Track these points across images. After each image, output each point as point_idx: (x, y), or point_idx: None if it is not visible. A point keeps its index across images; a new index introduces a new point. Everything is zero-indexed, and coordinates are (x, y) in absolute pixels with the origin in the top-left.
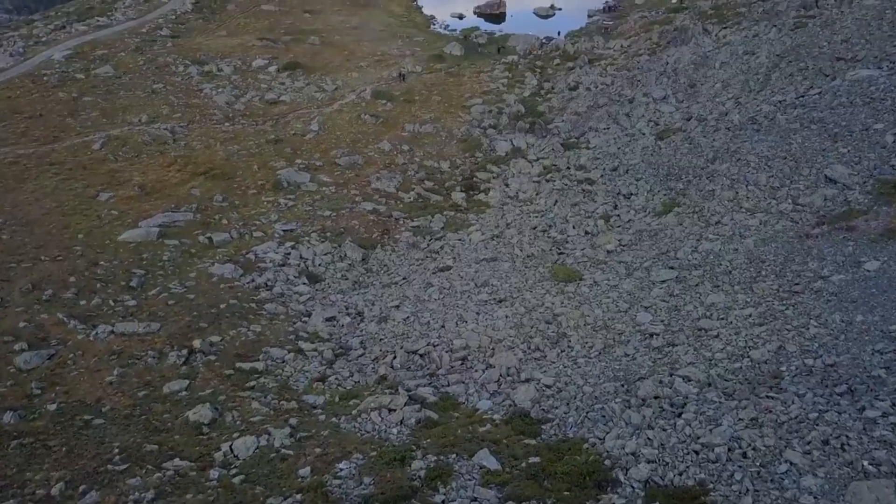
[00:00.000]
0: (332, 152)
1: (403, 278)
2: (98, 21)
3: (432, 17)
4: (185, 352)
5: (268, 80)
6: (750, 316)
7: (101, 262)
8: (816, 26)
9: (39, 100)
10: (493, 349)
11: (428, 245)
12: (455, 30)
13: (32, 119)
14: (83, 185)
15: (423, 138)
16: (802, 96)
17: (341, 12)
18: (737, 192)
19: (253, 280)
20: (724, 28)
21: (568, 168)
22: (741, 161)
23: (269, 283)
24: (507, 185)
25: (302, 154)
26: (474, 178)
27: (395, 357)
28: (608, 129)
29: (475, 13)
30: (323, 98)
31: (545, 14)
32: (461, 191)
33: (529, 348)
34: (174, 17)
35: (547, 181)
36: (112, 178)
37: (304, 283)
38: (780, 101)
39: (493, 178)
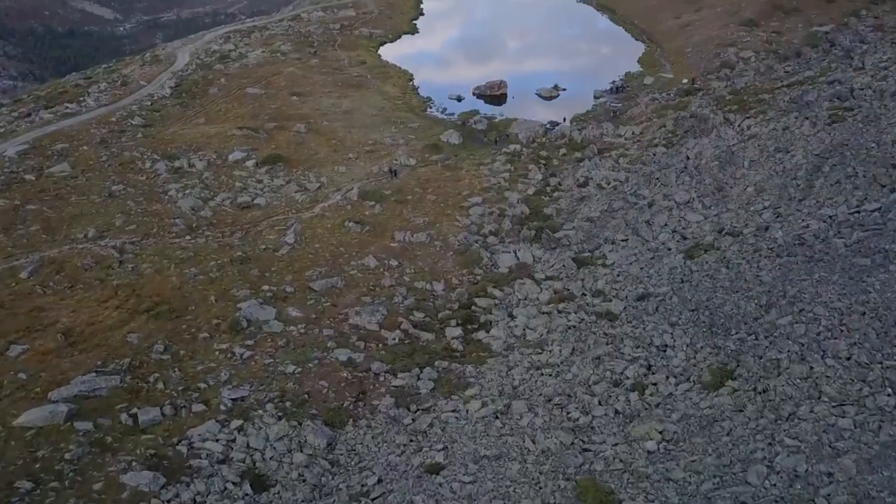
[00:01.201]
0: (308, 272)
1: (379, 480)
2: (67, 108)
3: (429, 99)
4: None
5: (244, 176)
6: None
7: None
8: (858, 122)
9: None
10: None
11: (413, 420)
12: (453, 114)
13: None
14: None
15: (414, 249)
16: (857, 211)
17: (332, 94)
18: (811, 367)
19: (177, 495)
20: (748, 118)
21: (583, 294)
22: (806, 313)
23: (197, 500)
24: (511, 318)
25: (271, 277)
26: (473, 307)
27: None
28: (626, 240)
29: (474, 94)
30: (303, 200)
31: (548, 95)
32: (458, 324)
33: None
34: (150, 102)
35: (559, 313)
36: (34, 320)
37: (245, 497)
38: (830, 217)
39: (495, 305)
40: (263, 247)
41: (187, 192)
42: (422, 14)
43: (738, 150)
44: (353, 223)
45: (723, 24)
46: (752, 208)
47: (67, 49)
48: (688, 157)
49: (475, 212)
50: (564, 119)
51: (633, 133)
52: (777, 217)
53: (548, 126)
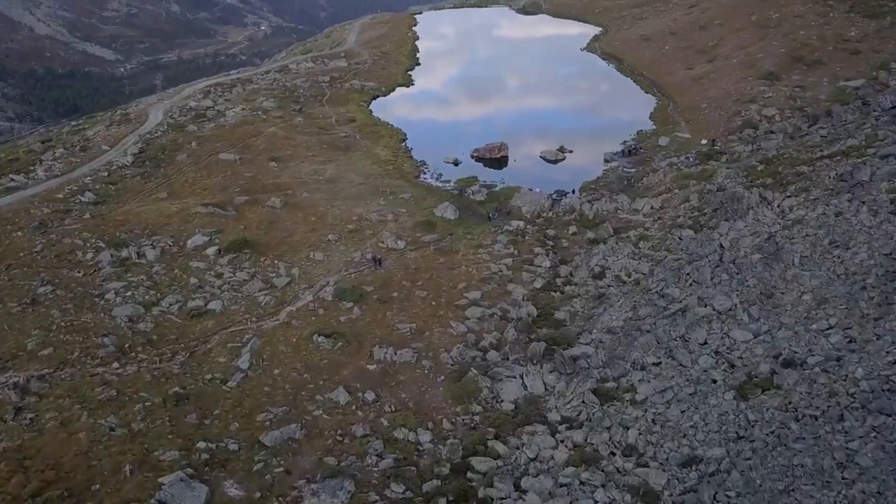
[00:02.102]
0: (260, 416)
1: None
2: (12, 181)
3: (423, 163)
4: None
5: (201, 269)
6: None
7: None
8: None
9: None
10: None
11: None
12: (449, 181)
13: None
14: None
15: (397, 373)
16: None
17: (316, 159)
18: None
19: None
20: (788, 197)
21: (611, 453)
22: None
23: None
24: (520, 493)
25: (212, 426)
26: (469, 472)
27: None
28: (660, 365)
29: (473, 157)
30: (267, 303)
31: (553, 158)
32: (448, 502)
33: None
34: (107, 173)
35: (581, 485)
36: None
37: None
38: None
39: (498, 470)
40: (209, 376)
41: (129, 293)
42: (417, 63)
43: (784, 241)
44: (324, 337)
45: (740, 77)
46: (813, 326)
47: (67, 90)
48: (722, 246)
49: (473, 314)
50: (574, 191)
51: (651, 208)
52: (849, 342)
53: (554, 197)
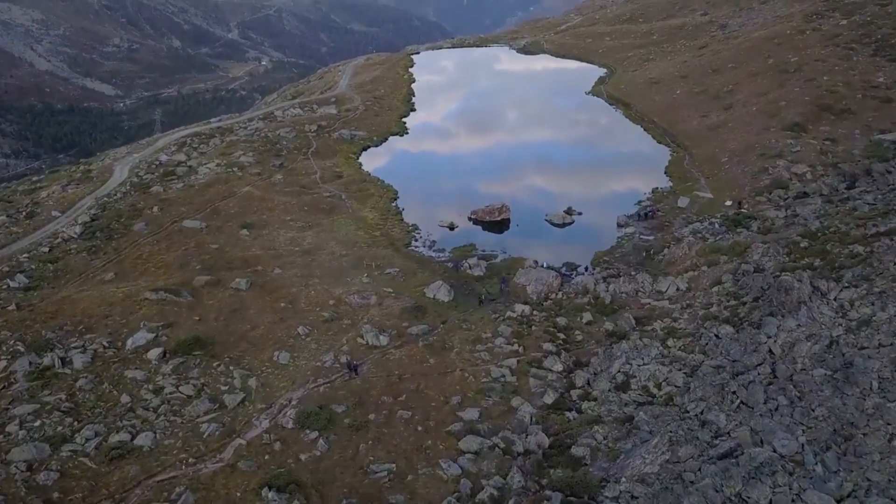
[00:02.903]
0: None
1: None
2: None
3: (414, 227)
4: None
5: (138, 382)
6: None
7: None
8: None
9: None
10: None
11: None
12: (443, 249)
13: None
14: None
15: None
16: None
17: (294, 224)
18: None
19: None
20: (847, 288)
21: None
22: None
23: None
24: None
25: None
26: None
27: None
28: None
29: (470, 219)
30: (212, 434)
31: (560, 222)
32: None
33: None
34: (48, 248)
35: None
36: None
37: None
38: None
39: None
40: None
41: (37, 423)
42: (413, 109)
43: (852, 353)
44: (276, 491)
45: (762, 128)
46: None
47: (65, 125)
48: (772, 353)
49: (469, 446)
50: (586, 267)
51: (678, 289)
52: None
53: (564, 273)
